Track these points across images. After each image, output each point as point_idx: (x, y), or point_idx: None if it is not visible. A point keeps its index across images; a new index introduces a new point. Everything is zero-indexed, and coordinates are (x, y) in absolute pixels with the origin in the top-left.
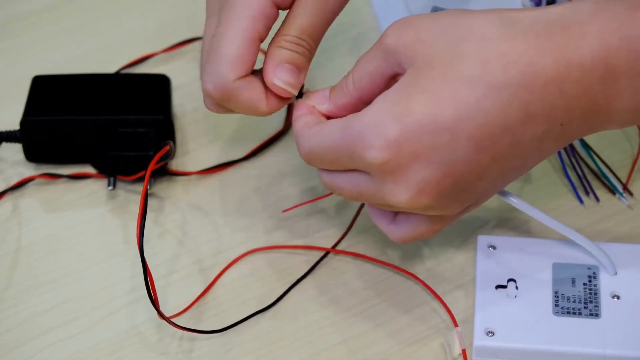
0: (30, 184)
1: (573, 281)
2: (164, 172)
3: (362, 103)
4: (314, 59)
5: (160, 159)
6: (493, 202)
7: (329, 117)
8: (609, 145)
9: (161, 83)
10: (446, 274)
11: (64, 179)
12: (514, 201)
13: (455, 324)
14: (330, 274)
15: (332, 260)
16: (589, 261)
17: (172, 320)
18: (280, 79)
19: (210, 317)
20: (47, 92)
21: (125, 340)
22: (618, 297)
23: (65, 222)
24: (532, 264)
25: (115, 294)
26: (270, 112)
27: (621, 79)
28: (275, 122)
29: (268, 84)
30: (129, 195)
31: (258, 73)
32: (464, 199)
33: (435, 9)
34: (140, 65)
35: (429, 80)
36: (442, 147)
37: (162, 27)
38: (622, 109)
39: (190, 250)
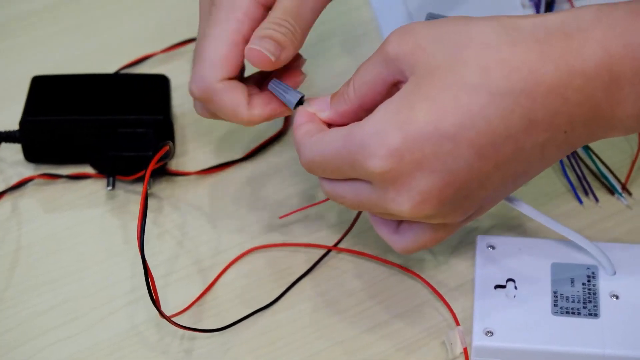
0: (30, 184)
1: (572, 281)
2: (163, 173)
3: (363, 110)
4: (313, 60)
5: (160, 159)
6: None
7: (330, 125)
8: (608, 146)
9: (161, 83)
10: (446, 273)
11: (63, 179)
12: (514, 202)
13: (457, 323)
14: (330, 273)
15: (332, 259)
16: (588, 261)
17: (173, 319)
18: (262, 46)
19: (210, 316)
20: (46, 92)
21: (125, 340)
22: (617, 297)
23: (64, 222)
24: (531, 264)
25: (114, 294)
26: (252, 121)
27: (625, 86)
28: (275, 122)
29: (245, 53)
30: (129, 196)
31: (245, 79)
32: (466, 207)
33: (431, 16)
34: (140, 65)
35: (430, 88)
36: (445, 156)
37: (161, 27)
38: (626, 116)
39: (189, 250)
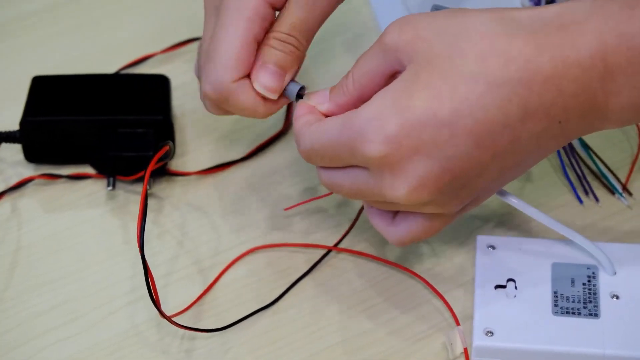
0: (30, 184)
1: (572, 281)
2: (163, 173)
3: (362, 102)
4: (313, 60)
5: (160, 159)
6: (492, 202)
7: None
8: (609, 146)
9: (161, 83)
10: (446, 273)
11: (63, 180)
12: (513, 201)
13: (457, 323)
14: (330, 273)
15: (333, 259)
16: (588, 261)
17: (173, 319)
18: (261, 83)
19: (210, 316)
20: (46, 92)
21: (125, 340)
22: (617, 297)
23: (64, 222)
24: (532, 264)
25: (115, 294)
26: (268, 114)
27: (619, 77)
28: (275, 122)
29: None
30: (129, 196)
31: None
32: (463, 196)
33: (436, 8)
34: (140, 65)
35: (428, 76)
36: (442, 143)
37: (161, 28)
38: (621, 107)
39: (189, 250)
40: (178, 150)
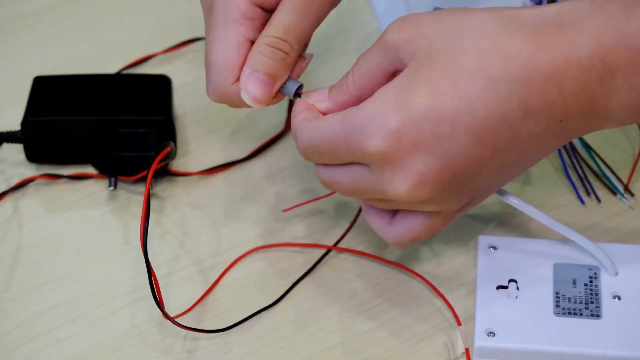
0: (31, 184)
1: (574, 282)
2: (164, 173)
3: (362, 101)
4: (313, 60)
5: (161, 160)
6: (494, 202)
7: None
8: (610, 146)
9: (162, 83)
10: (447, 273)
11: (64, 180)
12: (514, 202)
13: (459, 323)
14: (331, 273)
15: (333, 259)
16: (590, 262)
17: (175, 320)
18: (249, 93)
19: (212, 317)
20: (48, 92)
21: (126, 340)
22: (619, 298)
23: (66, 222)
24: (533, 265)
25: (115, 294)
26: (270, 104)
27: (618, 77)
28: (276, 122)
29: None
30: (130, 196)
31: None
32: (462, 194)
33: (437, 9)
34: (141, 65)
35: (430, 72)
36: (443, 139)
37: (162, 28)
38: (619, 107)
39: (190, 250)
40: (179, 150)
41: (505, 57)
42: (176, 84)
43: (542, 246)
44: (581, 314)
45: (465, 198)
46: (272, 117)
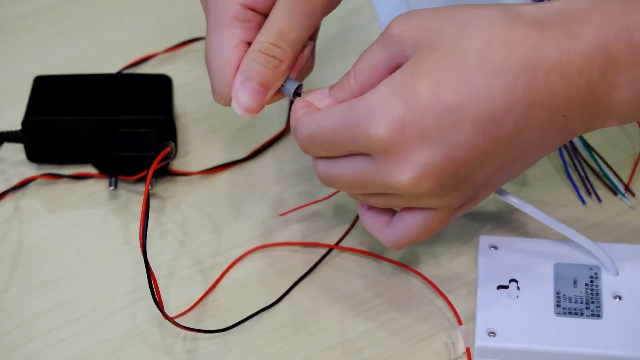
0: (32, 184)
1: (575, 282)
2: (165, 172)
3: None
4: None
5: (162, 160)
6: (494, 202)
7: None
8: (611, 146)
9: (163, 83)
10: (448, 273)
11: (65, 179)
12: (515, 201)
13: (460, 322)
14: (332, 273)
15: (334, 259)
16: (591, 261)
17: (175, 320)
18: (241, 102)
19: (212, 316)
20: (48, 92)
21: (127, 340)
22: (620, 298)
23: (66, 222)
24: (534, 265)
25: (116, 294)
26: (273, 102)
27: (621, 70)
28: (277, 122)
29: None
30: (131, 196)
31: None
32: (464, 189)
33: None
34: (142, 65)
35: (434, 61)
36: (447, 128)
37: (163, 28)
38: (621, 101)
39: (191, 250)
40: (180, 150)
41: (510, 46)
42: (177, 84)
43: (542, 246)
44: (582, 314)
45: (466, 194)
46: (272, 117)
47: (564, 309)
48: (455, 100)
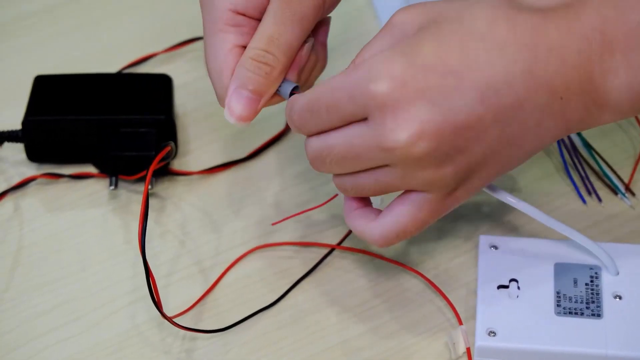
0: (32, 183)
1: (575, 281)
2: (165, 172)
3: None
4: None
5: (162, 159)
6: (494, 202)
7: None
8: (611, 145)
9: (163, 83)
10: (448, 273)
11: (65, 179)
12: (512, 201)
13: (460, 322)
14: (332, 273)
15: (334, 259)
16: (591, 261)
17: (175, 320)
18: (233, 111)
19: (211, 316)
20: (49, 91)
21: (127, 340)
22: (620, 298)
23: (66, 222)
24: (534, 264)
25: (116, 294)
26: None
27: (617, 53)
28: (277, 122)
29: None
30: (131, 195)
31: None
32: (458, 163)
33: None
34: (142, 65)
35: (438, 32)
36: (448, 90)
37: (163, 27)
38: (617, 88)
39: (191, 250)
40: (180, 149)
41: (512, 24)
42: (177, 84)
43: (543, 246)
44: (582, 314)
45: (461, 171)
46: (272, 117)
47: (564, 308)
48: (457, 64)
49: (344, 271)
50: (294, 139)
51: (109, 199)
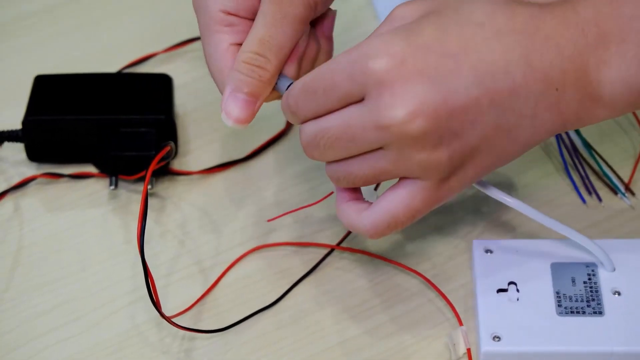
0: (32, 183)
1: (573, 280)
2: (165, 172)
3: None
4: None
5: (162, 159)
6: (487, 204)
7: None
8: (611, 145)
9: (163, 82)
10: (448, 273)
11: (65, 179)
12: (505, 199)
13: (460, 323)
14: (331, 273)
15: (334, 259)
16: (587, 259)
17: (174, 320)
18: (230, 114)
19: (211, 316)
20: (49, 91)
21: (126, 340)
22: (619, 293)
23: (66, 221)
24: (531, 266)
25: (116, 294)
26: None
27: (611, 46)
28: (277, 122)
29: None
30: (131, 195)
31: None
32: (453, 147)
33: None
34: (142, 65)
35: (438, 19)
36: (446, 72)
37: (163, 27)
38: (611, 81)
39: (190, 250)
40: (180, 149)
41: (511, 14)
42: (177, 83)
43: (537, 246)
44: (584, 312)
45: (455, 157)
46: (272, 117)
47: (565, 308)
48: (456, 47)
49: (343, 271)
50: (294, 140)
51: (109, 198)
